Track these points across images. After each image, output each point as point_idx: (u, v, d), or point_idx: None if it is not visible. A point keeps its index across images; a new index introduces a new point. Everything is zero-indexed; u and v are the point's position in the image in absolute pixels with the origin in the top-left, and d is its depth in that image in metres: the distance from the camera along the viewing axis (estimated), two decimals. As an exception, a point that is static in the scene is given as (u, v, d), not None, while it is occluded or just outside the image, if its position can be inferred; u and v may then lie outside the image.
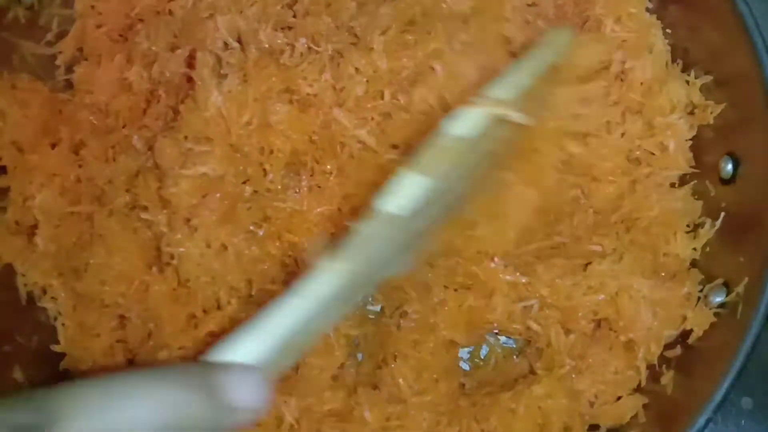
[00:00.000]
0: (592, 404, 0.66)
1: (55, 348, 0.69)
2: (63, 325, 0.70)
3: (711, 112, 0.69)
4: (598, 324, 0.68)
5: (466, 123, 0.53)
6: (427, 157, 0.52)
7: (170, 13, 0.73)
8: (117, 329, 0.68)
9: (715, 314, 0.64)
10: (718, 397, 0.58)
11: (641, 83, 0.71)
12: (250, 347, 0.43)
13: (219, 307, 0.66)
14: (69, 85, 0.76)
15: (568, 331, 0.67)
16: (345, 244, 0.49)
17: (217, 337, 0.62)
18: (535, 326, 0.67)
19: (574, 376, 0.65)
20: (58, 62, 0.76)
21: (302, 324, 0.45)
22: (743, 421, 0.72)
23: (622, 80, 0.73)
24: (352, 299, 0.54)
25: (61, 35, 0.76)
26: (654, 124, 0.70)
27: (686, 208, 0.68)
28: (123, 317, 0.68)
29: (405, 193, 0.50)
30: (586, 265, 0.67)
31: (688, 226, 0.69)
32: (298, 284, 0.46)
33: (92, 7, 0.76)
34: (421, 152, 0.52)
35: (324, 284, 0.47)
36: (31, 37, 0.74)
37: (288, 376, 0.65)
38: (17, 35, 0.72)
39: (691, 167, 0.71)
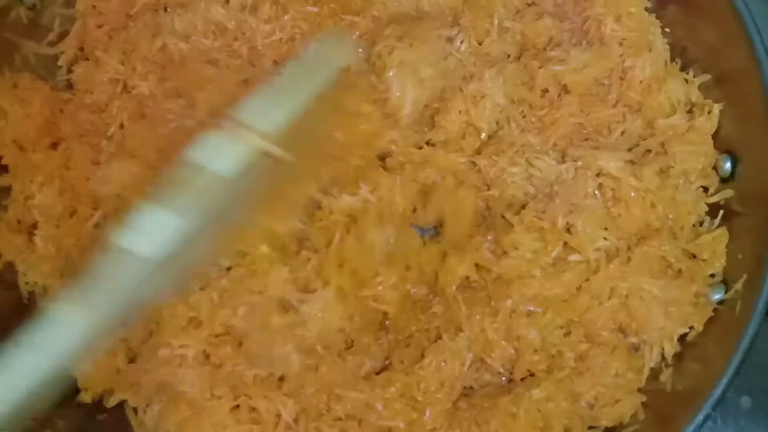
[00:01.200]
0: (591, 406, 0.66)
1: (55, 348, 0.69)
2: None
3: (709, 111, 0.69)
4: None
5: (222, 157, 0.47)
6: (176, 191, 0.46)
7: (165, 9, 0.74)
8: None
9: (714, 311, 0.64)
10: (717, 393, 0.59)
11: (640, 81, 0.72)
12: None
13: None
14: (70, 84, 0.76)
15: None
16: (81, 284, 0.44)
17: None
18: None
19: (573, 378, 0.65)
20: (60, 62, 0.76)
21: (35, 381, 0.41)
22: (742, 421, 0.72)
23: (621, 78, 0.73)
24: (97, 341, 0.47)
25: (63, 35, 0.76)
26: (655, 125, 0.70)
27: (695, 205, 0.68)
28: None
29: (148, 230, 0.45)
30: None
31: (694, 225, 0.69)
32: (28, 333, 0.42)
33: (93, 6, 0.76)
34: (167, 185, 0.47)
35: (59, 332, 0.42)
36: (33, 36, 0.74)
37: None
38: (19, 35, 0.73)
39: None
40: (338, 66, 0.59)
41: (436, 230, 0.71)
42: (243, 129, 0.48)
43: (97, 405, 0.68)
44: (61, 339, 0.42)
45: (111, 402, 0.68)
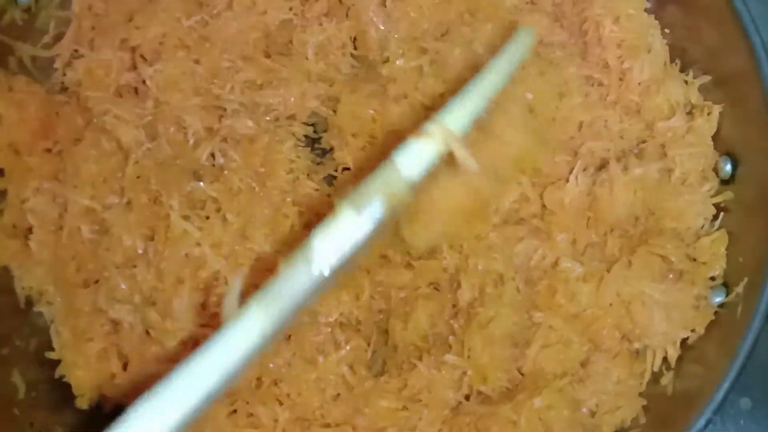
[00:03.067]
0: (593, 414, 0.65)
1: (50, 355, 0.69)
2: (57, 331, 0.69)
3: (709, 113, 0.69)
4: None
5: (419, 161, 0.48)
6: (372, 195, 0.46)
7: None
8: (111, 333, 0.68)
9: (715, 314, 0.64)
10: (719, 397, 0.58)
11: (639, 83, 0.71)
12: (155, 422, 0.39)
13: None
14: (65, 87, 0.76)
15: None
16: (271, 290, 0.43)
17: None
18: None
19: (575, 386, 0.64)
20: (56, 65, 0.76)
21: (219, 386, 0.41)
22: (742, 421, 0.72)
23: (620, 80, 0.73)
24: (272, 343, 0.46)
25: (58, 37, 0.76)
26: (654, 128, 0.70)
27: (703, 206, 0.68)
28: (116, 322, 0.68)
29: (343, 236, 0.45)
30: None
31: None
32: (217, 339, 0.41)
33: (89, 8, 0.75)
34: (368, 188, 0.47)
35: (247, 337, 0.42)
36: (28, 39, 0.74)
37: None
38: (14, 37, 0.72)
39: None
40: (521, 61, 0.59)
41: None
42: (447, 134, 0.49)
43: (95, 411, 0.67)
44: (243, 344, 0.42)
45: (107, 407, 0.67)
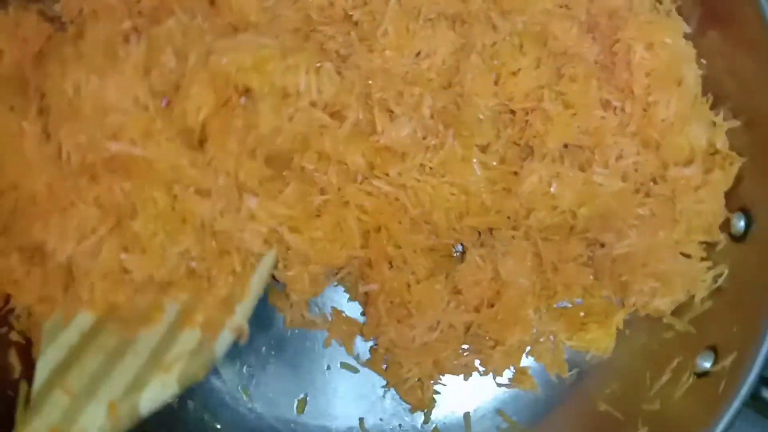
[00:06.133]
0: None
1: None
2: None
3: (731, 163, 0.64)
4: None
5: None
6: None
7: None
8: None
9: (699, 378, 0.63)
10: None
11: (663, 119, 0.67)
12: None
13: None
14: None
15: None
16: None
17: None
18: None
19: None
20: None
21: None
22: (737, 422, 0.72)
23: (644, 111, 0.68)
24: None
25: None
26: (668, 171, 0.66)
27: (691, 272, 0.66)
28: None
29: None
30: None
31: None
32: None
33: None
34: None
35: None
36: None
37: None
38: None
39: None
40: None
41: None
42: None
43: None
44: None
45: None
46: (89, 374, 0.59)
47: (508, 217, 0.70)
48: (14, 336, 0.69)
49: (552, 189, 0.68)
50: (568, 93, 0.68)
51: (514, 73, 0.68)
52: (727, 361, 0.59)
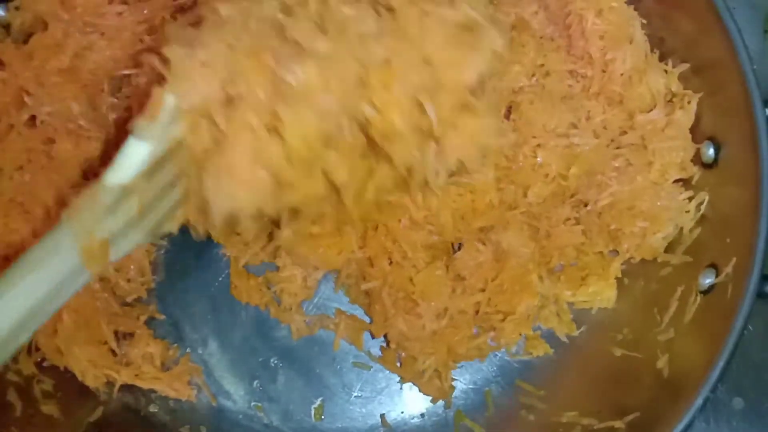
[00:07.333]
0: None
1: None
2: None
3: (688, 102, 0.70)
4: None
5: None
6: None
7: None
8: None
9: (705, 298, 0.65)
10: (714, 376, 0.59)
11: (621, 74, 0.73)
12: None
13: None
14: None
15: None
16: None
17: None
18: None
19: None
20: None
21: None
22: (735, 422, 0.73)
23: (603, 71, 0.74)
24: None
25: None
26: (635, 120, 0.72)
27: (674, 204, 0.70)
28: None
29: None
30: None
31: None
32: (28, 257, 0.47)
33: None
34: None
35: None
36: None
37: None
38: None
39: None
40: None
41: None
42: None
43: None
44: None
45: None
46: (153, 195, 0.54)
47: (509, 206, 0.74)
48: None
49: (539, 159, 0.72)
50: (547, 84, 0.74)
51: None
52: (728, 268, 0.63)
